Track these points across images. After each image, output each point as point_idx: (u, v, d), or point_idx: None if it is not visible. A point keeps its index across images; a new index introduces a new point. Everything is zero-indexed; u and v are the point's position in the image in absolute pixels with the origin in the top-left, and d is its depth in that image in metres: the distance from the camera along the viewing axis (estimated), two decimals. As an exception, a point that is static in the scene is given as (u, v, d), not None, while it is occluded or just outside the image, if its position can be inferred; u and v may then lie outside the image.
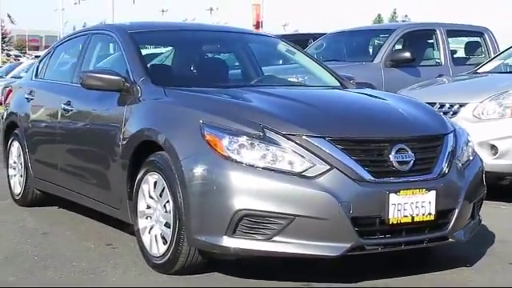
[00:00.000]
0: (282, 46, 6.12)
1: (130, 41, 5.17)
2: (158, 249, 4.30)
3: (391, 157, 4.00)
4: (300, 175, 3.84)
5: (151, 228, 4.39)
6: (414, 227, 4.04)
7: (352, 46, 10.28)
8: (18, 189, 6.50)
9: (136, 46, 5.13)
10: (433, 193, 4.03)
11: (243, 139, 3.91)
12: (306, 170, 3.85)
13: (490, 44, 10.21)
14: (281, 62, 8.69)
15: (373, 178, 3.92)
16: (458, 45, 11.34)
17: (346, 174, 3.87)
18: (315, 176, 3.84)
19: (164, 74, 5.24)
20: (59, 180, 5.71)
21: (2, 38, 61.95)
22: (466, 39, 10.72)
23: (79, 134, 5.33)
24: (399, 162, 4.01)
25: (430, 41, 9.96)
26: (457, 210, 4.17)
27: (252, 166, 3.85)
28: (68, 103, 5.49)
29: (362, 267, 4.40)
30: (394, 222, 3.93)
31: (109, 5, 42.32)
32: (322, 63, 5.85)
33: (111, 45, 5.76)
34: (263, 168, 3.84)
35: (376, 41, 10.52)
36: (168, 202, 4.18)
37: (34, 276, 4.27)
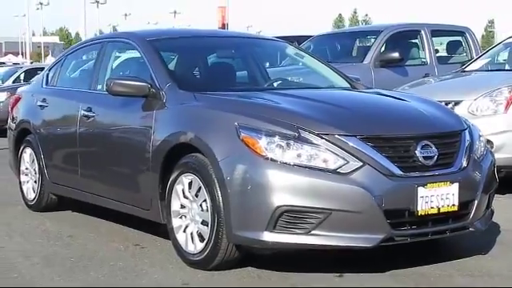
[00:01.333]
0: (291, 50, 6.37)
1: (152, 48, 5.34)
2: (194, 246, 4.49)
3: (417, 152, 4.27)
4: (335, 172, 4.08)
5: (186, 226, 4.58)
6: (439, 218, 4.31)
7: (340, 47, 10.52)
8: (31, 194, 6.60)
9: (158, 52, 5.29)
10: (456, 185, 4.31)
11: (280, 139, 4.13)
12: (340, 166, 4.09)
13: (471, 43, 10.57)
14: (267, 64, 8.89)
15: (402, 173, 4.18)
16: (437, 44, 11.66)
17: (377, 170, 4.12)
18: (349, 172, 4.08)
19: (189, 79, 5.42)
20: (80, 184, 5.83)
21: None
22: (448, 38, 11.06)
23: (103, 139, 5.45)
24: (424, 157, 4.28)
25: (416, 41, 10.27)
26: (476, 201, 4.46)
27: (289, 164, 4.08)
28: (89, 109, 5.62)
29: (380, 257, 4.66)
30: (423, 214, 4.20)
31: (70, 10, 42.18)
32: (331, 65, 6.09)
33: (129, 52, 5.92)
34: (300, 166, 4.07)
35: (362, 42, 10.79)
36: (205, 200, 4.38)
37: (79, 275, 4.42)
